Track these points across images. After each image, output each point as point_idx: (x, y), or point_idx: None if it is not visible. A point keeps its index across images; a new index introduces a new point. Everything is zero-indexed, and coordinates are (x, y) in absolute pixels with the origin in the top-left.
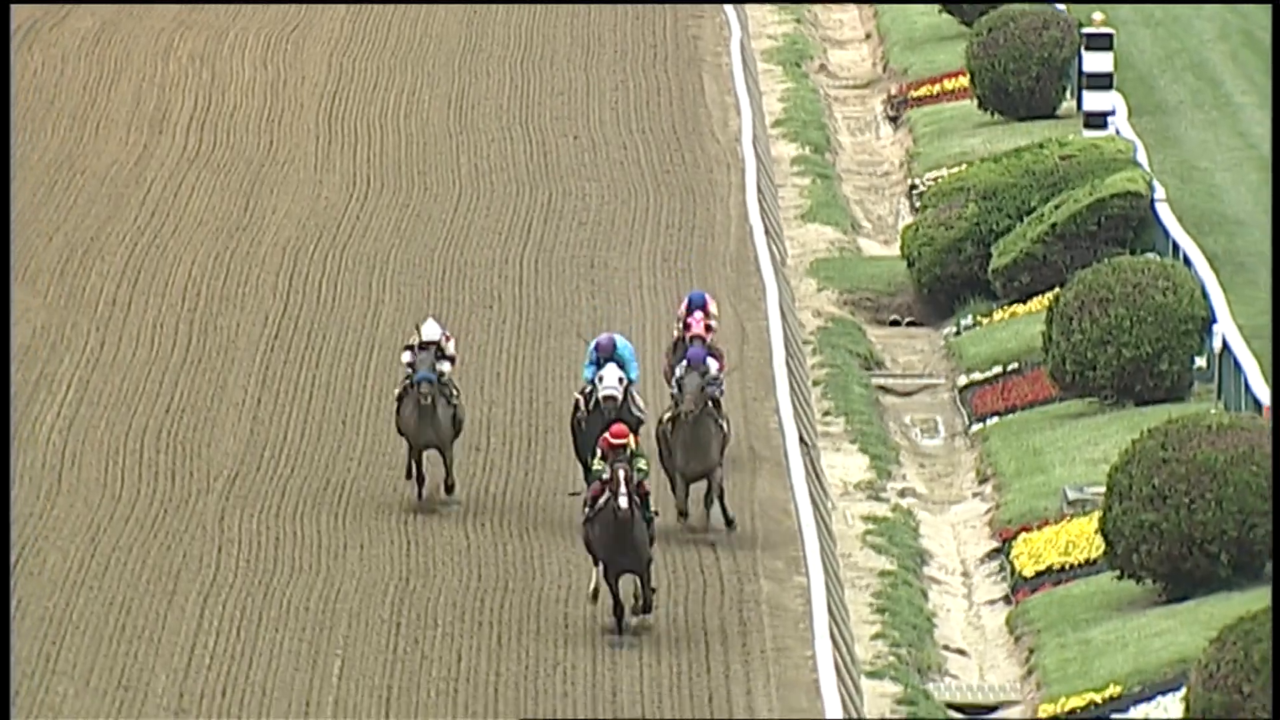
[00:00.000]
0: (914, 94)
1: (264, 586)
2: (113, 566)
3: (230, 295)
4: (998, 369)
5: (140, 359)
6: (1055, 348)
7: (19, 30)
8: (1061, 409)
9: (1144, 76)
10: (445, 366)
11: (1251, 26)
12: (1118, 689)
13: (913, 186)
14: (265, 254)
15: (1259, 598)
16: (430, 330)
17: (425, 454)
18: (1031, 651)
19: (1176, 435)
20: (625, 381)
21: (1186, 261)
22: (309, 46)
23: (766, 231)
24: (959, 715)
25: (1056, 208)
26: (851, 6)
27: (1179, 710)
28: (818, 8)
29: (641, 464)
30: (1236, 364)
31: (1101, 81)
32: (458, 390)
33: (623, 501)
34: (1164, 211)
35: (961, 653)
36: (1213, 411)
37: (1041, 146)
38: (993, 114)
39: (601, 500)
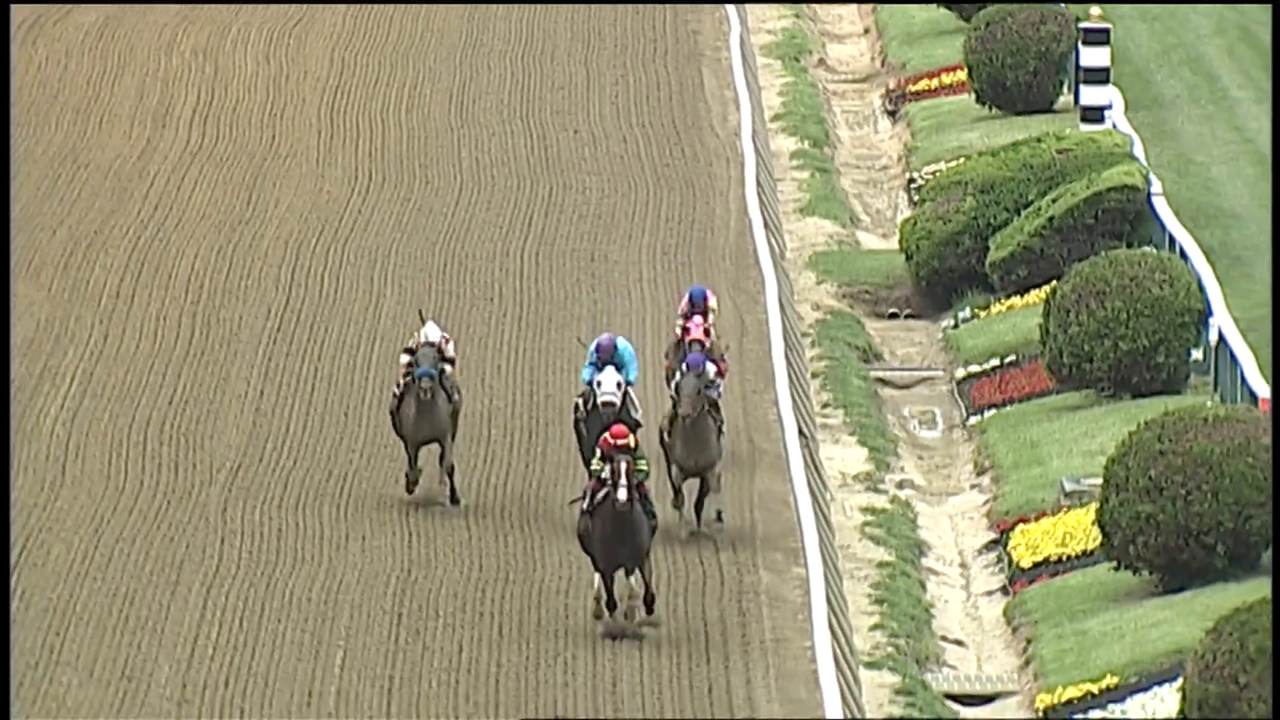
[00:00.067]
0: (912, 88)
1: (266, 577)
2: (116, 557)
3: (233, 288)
4: (995, 361)
5: (143, 351)
6: (1052, 340)
7: (23, 25)
8: (1059, 401)
9: (1141, 71)
10: (445, 368)
11: (1248, 22)
12: (1114, 679)
13: (911, 180)
14: (267, 247)
15: (1255, 589)
16: (431, 333)
17: (423, 450)
18: (1029, 642)
19: (1173, 427)
20: (623, 386)
21: (1183, 255)
22: (311, 41)
23: (766, 225)
24: (957, 705)
25: (1054, 201)
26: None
27: (1175, 701)
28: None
29: (643, 464)
30: (1233, 356)
31: (1099, 76)
32: (458, 389)
33: (622, 493)
34: (1161, 205)
35: (959, 643)
36: (1209, 404)
37: (1039, 140)
38: (990, 108)
39: (600, 495)
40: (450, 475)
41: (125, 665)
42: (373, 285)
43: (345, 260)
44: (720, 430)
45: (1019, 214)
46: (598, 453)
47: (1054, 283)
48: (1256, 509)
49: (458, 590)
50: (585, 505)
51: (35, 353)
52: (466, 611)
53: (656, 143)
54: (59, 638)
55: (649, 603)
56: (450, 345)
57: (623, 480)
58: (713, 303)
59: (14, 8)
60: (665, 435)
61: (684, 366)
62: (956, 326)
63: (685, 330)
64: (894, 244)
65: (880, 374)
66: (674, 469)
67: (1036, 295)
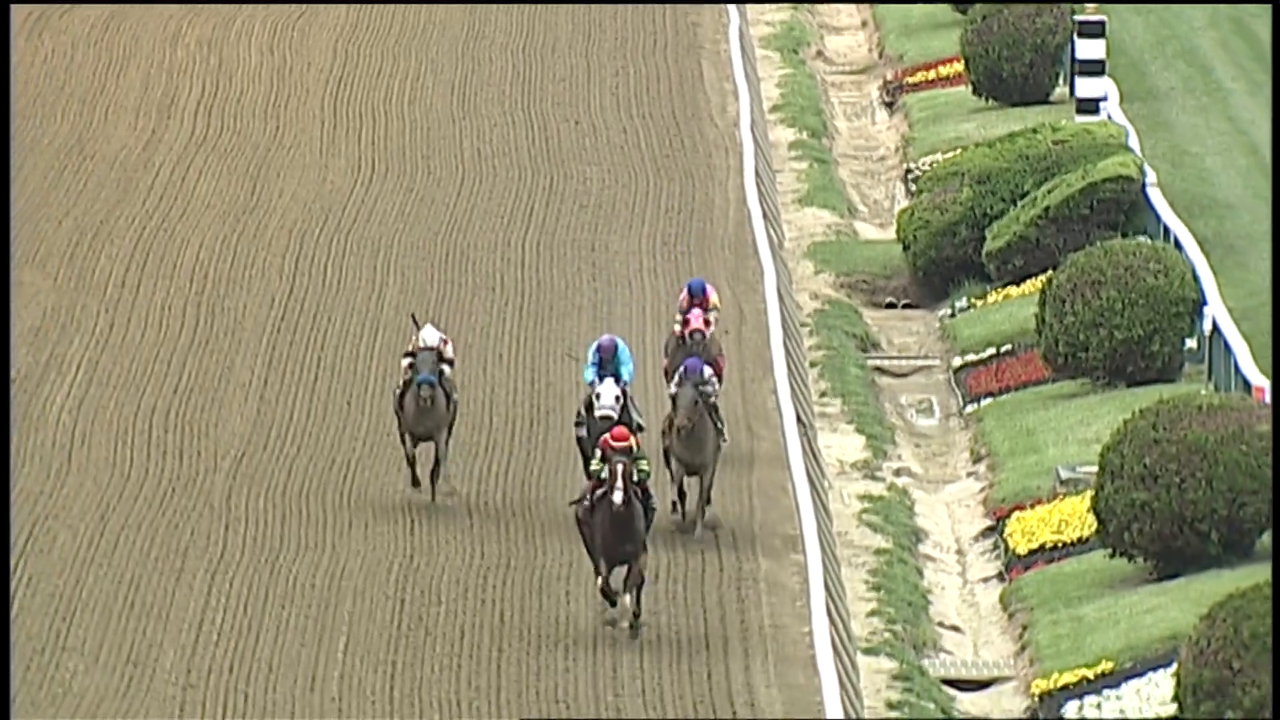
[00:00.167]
0: (909, 80)
1: (270, 564)
2: (122, 544)
3: (237, 278)
4: (992, 350)
5: (149, 340)
6: (1048, 329)
7: (29, 18)
8: (1054, 390)
9: (1136, 63)
10: (444, 369)
11: (1242, 14)
12: (1109, 665)
13: (908, 171)
14: (271, 237)
15: (1249, 575)
16: (429, 336)
17: (420, 445)
18: (1025, 628)
19: (1167, 415)
20: (621, 400)
21: (1177, 245)
22: (315, 33)
23: (764, 215)
24: (954, 691)
25: (1049, 192)
26: None
27: (1170, 686)
28: None
29: (643, 464)
30: (1226, 345)
31: (1094, 68)
32: (455, 390)
33: (617, 496)
34: (1155, 195)
35: (956, 629)
36: (1203, 392)
37: (1035, 132)
38: (987, 100)
39: (599, 494)
40: (434, 472)
41: (130, 651)
42: (375, 274)
43: (348, 250)
44: (719, 432)
45: (1015, 204)
46: (598, 454)
47: (1050, 272)
48: (1250, 496)
49: (460, 576)
50: (585, 505)
51: (41, 341)
52: (468, 598)
53: (656, 134)
54: (65, 623)
55: (637, 589)
56: (449, 346)
57: (619, 484)
58: (713, 297)
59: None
60: (664, 440)
61: (682, 371)
62: (953, 316)
63: (685, 323)
64: (891, 234)
65: (878, 363)
66: (674, 464)
67: (1032, 285)
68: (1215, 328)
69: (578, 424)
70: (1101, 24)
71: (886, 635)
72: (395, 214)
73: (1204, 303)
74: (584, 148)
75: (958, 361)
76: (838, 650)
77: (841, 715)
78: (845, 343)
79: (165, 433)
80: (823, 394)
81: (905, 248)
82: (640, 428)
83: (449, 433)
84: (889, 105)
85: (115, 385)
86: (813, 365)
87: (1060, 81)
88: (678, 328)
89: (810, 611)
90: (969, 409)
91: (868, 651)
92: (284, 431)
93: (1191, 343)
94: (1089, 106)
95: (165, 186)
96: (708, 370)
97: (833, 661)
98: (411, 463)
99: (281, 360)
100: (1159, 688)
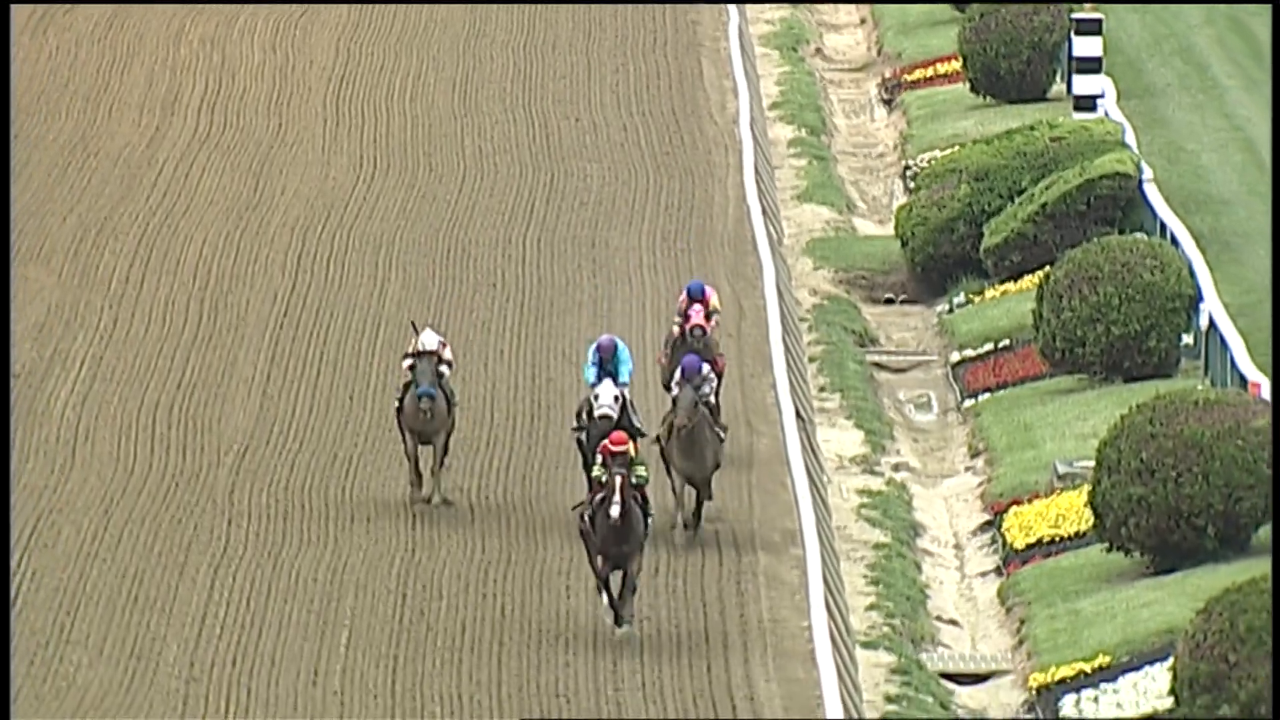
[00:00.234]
0: (908, 77)
1: (273, 558)
2: (125, 539)
3: (240, 274)
4: (989, 346)
5: (152, 336)
6: (1045, 325)
7: (34, 15)
8: (1052, 385)
9: (1132, 60)
10: (443, 370)
11: (1238, 12)
12: (1106, 659)
13: (906, 168)
14: (274, 233)
15: (1245, 569)
16: (429, 339)
17: (421, 448)
18: (1022, 622)
19: (1164, 411)
20: (620, 401)
21: (1174, 241)
22: (317, 31)
23: (764, 211)
24: (952, 684)
25: (1047, 188)
26: None
27: (1166, 679)
28: None
29: (641, 470)
30: (1223, 341)
31: (1091, 65)
32: (454, 391)
33: (614, 510)
34: (1152, 192)
35: (954, 623)
36: (1199, 387)
37: (1032, 129)
38: (985, 97)
39: (599, 500)
40: (435, 473)
41: (134, 645)
42: (378, 270)
43: (350, 246)
44: (719, 438)
45: (1013, 201)
46: (598, 459)
47: (1047, 268)
48: (1246, 491)
49: (461, 571)
50: (586, 511)
51: (46, 337)
52: (469, 591)
53: (656, 131)
54: (69, 617)
55: (629, 593)
56: (447, 349)
57: (616, 497)
58: (713, 299)
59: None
60: (664, 442)
61: (681, 370)
62: (951, 311)
63: (686, 318)
64: (890, 230)
65: (876, 358)
66: (674, 476)
67: (1030, 281)
68: (1211, 323)
69: (576, 429)
70: (1098, 22)
71: (885, 629)
72: (397, 211)
73: (1200, 298)
74: (584, 145)
75: (956, 357)
76: (836, 644)
77: (840, 709)
78: (844, 338)
79: (168, 428)
80: (821, 389)
81: (903, 244)
82: (640, 433)
83: (447, 438)
84: (887, 102)
85: (119, 380)
86: (811, 361)
87: (1058, 79)
88: (676, 328)
89: (809, 606)
90: (967, 404)
91: (866, 645)
92: (286, 427)
93: (1188, 338)
94: (1086, 104)
95: (168, 183)
96: (706, 367)
97: (831, 655)
98: (413, 460)
99: (284, 356)
100: (1155, 681)
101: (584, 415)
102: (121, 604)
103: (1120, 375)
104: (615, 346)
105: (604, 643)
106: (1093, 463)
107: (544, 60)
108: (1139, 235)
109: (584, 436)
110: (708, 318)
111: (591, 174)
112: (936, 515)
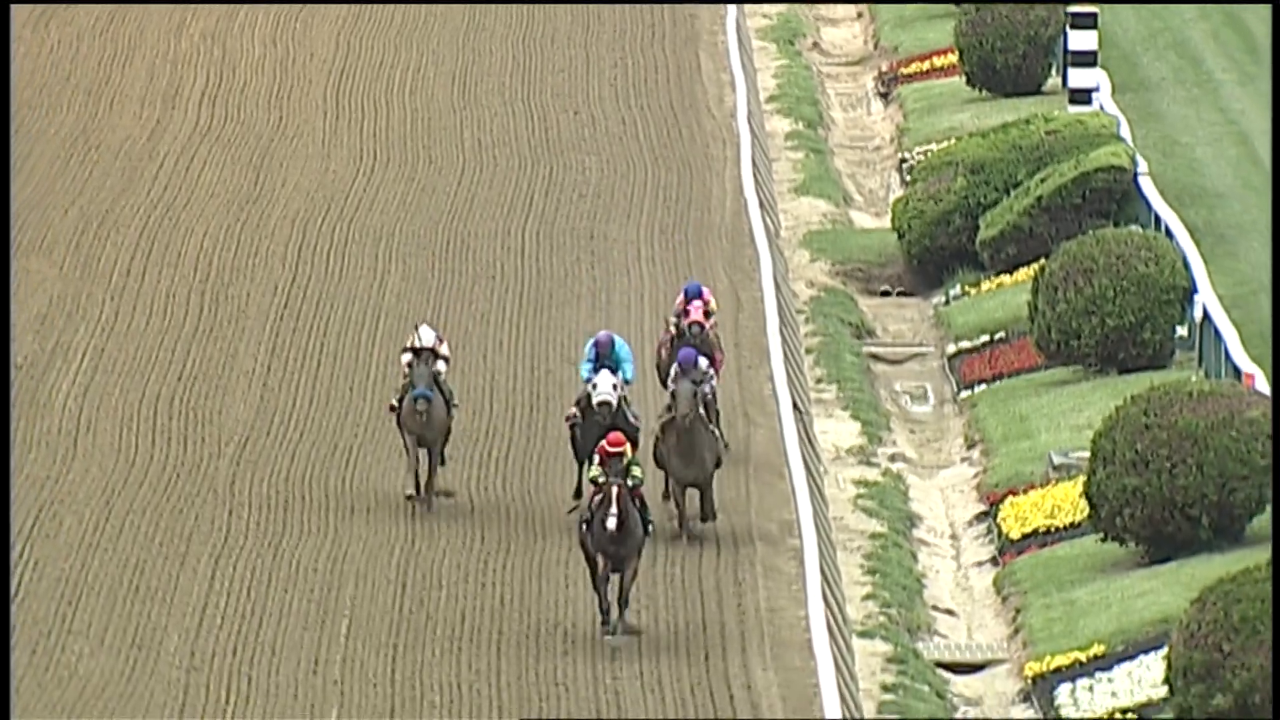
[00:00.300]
0: (904, 71)
1: (273, 548)
2: (127, 529)
3: (241, 266)
4: (985, 338)
5: (153, 328)
6: (1041, 317)
7: (35, 9)
8: (1047, 376)
9: (1127, 54)
10: (440, 366)
11: (1232, 6)
12: (1101, 648)
13: (903, 161)
14: (275, 226)
15: (1239, 559)
16: (426, 335)
17: (420, 449)
18: (1018, 612)
19: (1158, 402)
20: (620, 388)
21: (1168, 233)
22: (317, 25)
23: (761, 204)
24: (948, 674)
25: (1042, 181)
26: None
27: (1161, 668)
28: None
29: (637, 472)
30: (1217, 333)
31: (1086, 59)
32: (453, 391)
33: (610, 523)
34: (1146, 185)
35: (950, 613)
36: (1193, 379)
37: (1028, 122)
38: (981, 90)
39: (597, 504)
40: (429, 479)
41: (135, 634)
42: (378, 263)
43: (351, 238)
44: (716, 439)
45: (1008, 194)
46: (595, 459)
47: (1042, 261)
48: (1240, 481)
49: (460, 561)
50: (585, 515)
51: (47, 329)
52: (469, 581)
53: (654, 124)
54: (71, 607)
55: (624, 605)
56: (444, 345)
57: (614, 509)
58: (711, 303)
59: None
60: (660, 444)
61: (678, 363)
62: (947, 303)
63: (685, 314)
64: (886, 223)
65: (873, 350)
66: (671, 482)
67: (1025, 273)
68: (1206, 315)
69: (571, 425)
70: (1093, 16)
71: (881, 619)
72: (397, 203)
73: (1194, 290)
74: (583, 138)
75: (952, 348)
76: (833, 634)
77: (837, 698)
78: (841, 330)
79: (170, 419)
80: (818, 381)
81: (900, 236)
82: (637, 429)
83: (445, 440)
84: (884, 96)
85: (120, 372)
86: (809, 352)
87: (1053, 72)
88: (673, 328)
89: (806, 595)
90: (963, 395)
91: (863, 635)
92: (287, 418)
93: (1182, 330)
94: (1081, 97)
95: (170, 176)
96: (703, 362)
97: (828, 645)
98: (413, 459)
99: (284, 347)
100: (1150, 670)
101: (580, 408)
102: (123, 594)
103: (1115, 367)
104: (613, 343)
105: (598, 617)
106: (1088, 453)
107: (543, 54)
108: (1134, 228)
109: (579, 426)
110: (706, 316)
111: (590, 167)
112: (933, 506)
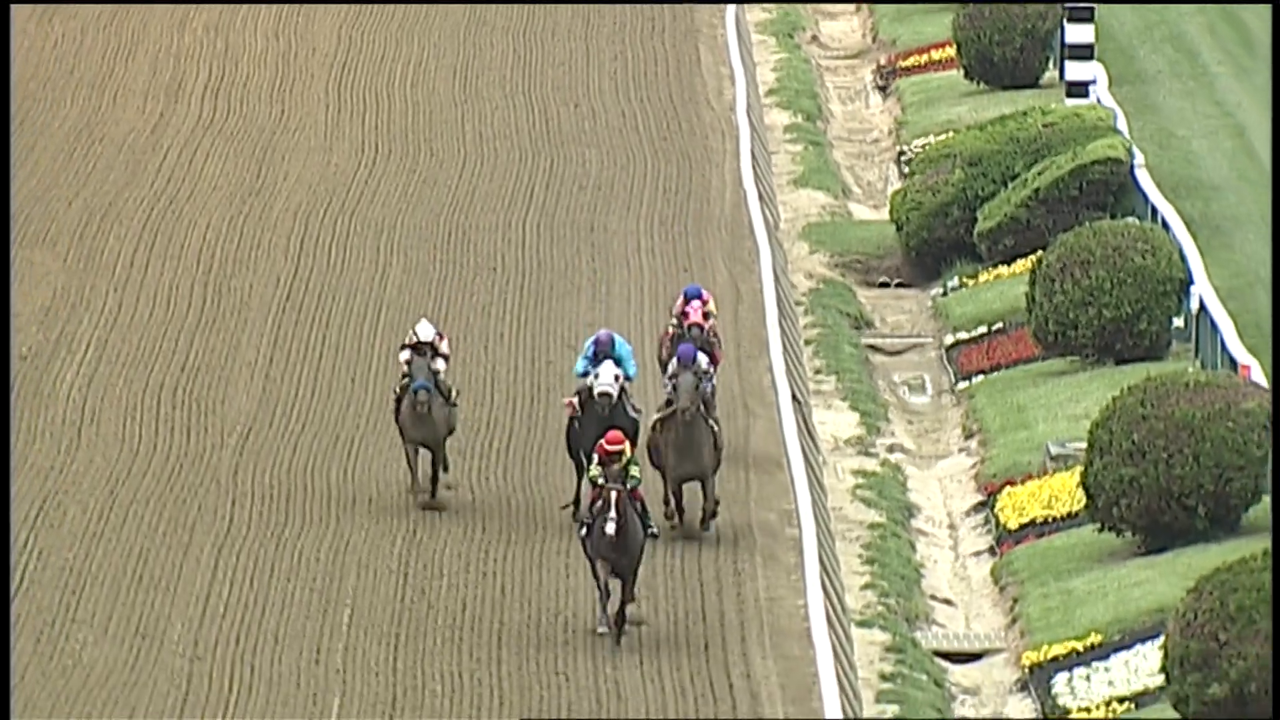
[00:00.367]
0: (902, 64)
1: (276, 538)
2: (130, 519)
3: (243, 258)
4: (983, 329)
5: (157, 319)
6: (1038, 308)
7: (40, 4)
8: (1044, 367)
9: (1124, 47)
10: (440, 365)
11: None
12: (1098, 637)
13: (901, 153)
14: (277, 218)
15: (1235, 549)
16: (424, 331)
17: (419, 451)
18: (1015, 601)
19: (1155, 393)
20: (620, 380)
21: (1165, 225)
22: (319, 19)
23: (760, 196)
24: (946, 663)
25: (1039, 173)
26: None
27: (1157, 657)
28: None
29: (635, 471)
30: (1213, 324)
31: (1083, 52)
32: (454, 390)
33: (609, 528)
34: (1143, 177)
35: (948, 602)
36: (1190, 370)
37: (1025, 115)
38: (978, 83)
39: (597, 507)
40: (434, 481)
41: (139, 623)
42: (379, 255)
43: (352, 231)
44: (715, 435)
45: (1006, 186)
46: (594, 458)
47: (1040, 252)
48: (1236, 471)
49: (461, 550)
50: (584, 516)
51: (52, 320)
52: (470, 571)
53: (654, 117)
54: (75, 596)
55: (625, 602)
56: (444, 342)
57: (613, 514)
58: (710, 305)
59: None
60: (657, 438)
61: (677, 358)
62: (945, 295)
63: (684, 315)
64: (885, 215)
65: (871, 341)
66: (668, 478)
67: (1023, 265)
68: (1202, 306)
69: (570, 417)
70: (1090, 9)
71: (880, 608)
72: (398, 196)
73: (1191, 282)
74: (583, 130)
75: (950, 340)
76: (832, 623)
77: (836, 686)
78: (839, 321)
79: (173, 410)
80: (817, 372)
81: (898, 228)
82: (635, 422)
83: (448, 437)
84: (882, 89)
85: (124, 363)
86: (807, 343)
87: (1050, 66)
88: (673, 328)
89: (805, 585)
90: (961, 386)
91: (861, 624)
92: (289, 409)
93: (1179, 321)
94: (1078, 90)
95: (173, 169)
96: (703, 358)
97: (827, 634)
98: (413, 464)
99: (287, 339)
100: (1147, 659)
101: (579, 402)
102: (126, 583)
103: (1112, 358)
104: (613, 341)
105: (601, 612)
106: (1085, 444)
107: (543, 47)
108: (1130, 220)
109: (578, 418)
110: (705, 319)
111: (590, 159)
112: (931, 496)
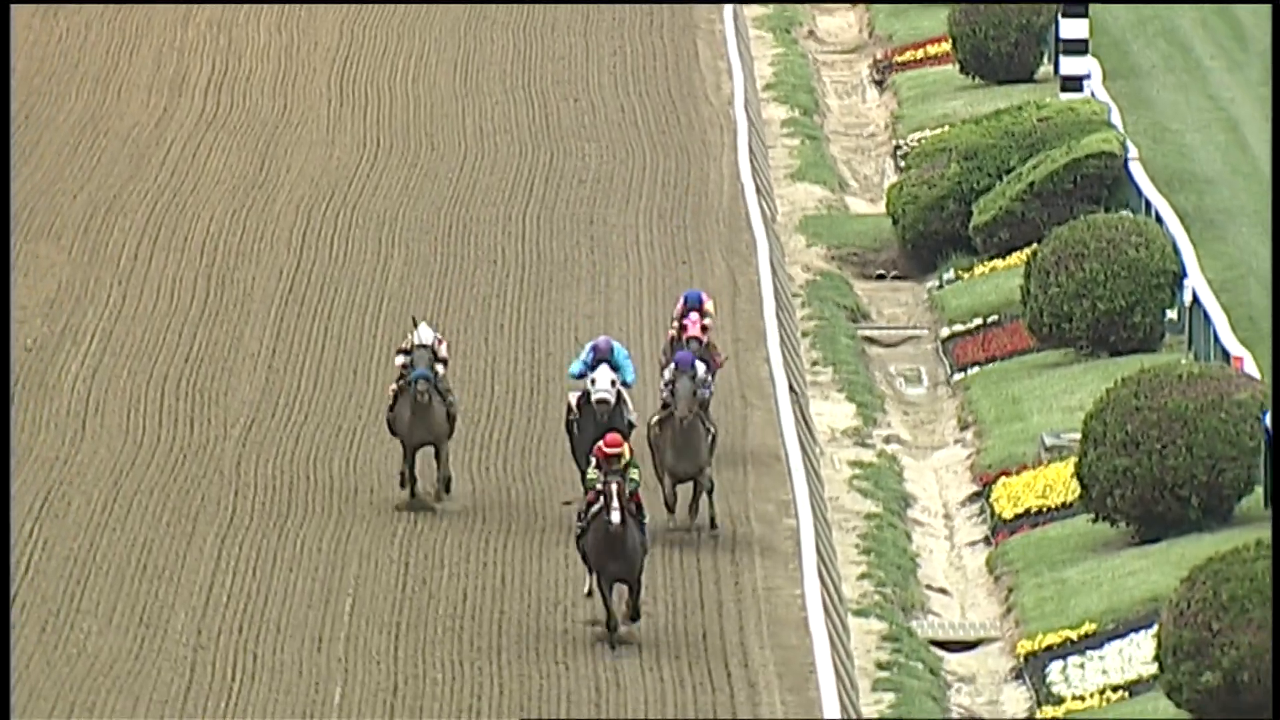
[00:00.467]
0: (899, 59)
1: (278, 528)
2: (134, 509)
3: (246, 251)
4: (978, 321)
5: (160, 311)
6: (1033, 301)
7: (44, 2)
8: (1039, 359)
9: (1118, 42)
10: (439, 369)
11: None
12: (1092, 626)
13: (897, 147)
14: (280, 211)
15: (1228, 539)
16: (424, 334)
17: (418, 454)
18: (1010, 591)
19: (1149, 384)
20: (618, 385)
21: (1158, 218)
22: (322, 13)
23: (757, 190)
24: (941, 651)
25: (1034, 167)
26: None
27: (1151, 646)
28: None
29: (634, 474)
30: (1206, 316)
31: (1077, 47)
32: (452, 390)
33: (614, 516)
34: (1137, 170)
35: (944, 592)
36: (1183, 361)
37: (1020, 109)
38: (974, 78)
39: (595, 508)
40: (445, 484)
41: (143, 613)
42: (381, 248)
43: (354, 224)
44: (711, 435)
45: (1001, 179)
46: (592, 461)
47: (1034, 245)
48: (1229, 462)
49: (462, 540)
50: (582, 520)
51: (56, 313)
52: (471, 561)
53: (653, 111)
54: (79, 586)
55: (635, 613)
56: (443, 346)
57: (615, 504)
58: (709, 306)
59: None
60: (654, 438)
61: (675, 364)
62: (941, 287)
63: (682, 328)
64: (881, 208)
65: (868, 333)
66: (665, 477)
67: (1018, 257)
68: (1195, 299)
69: (569, 421)
70: (1085, 4)
71: (876, 597)
72: (400, 189)
73: (1184, 275)
74: (583, 124)
75: (945, 332)
76: (829, 612)
77: (833, 675)
78: (836, 313)
79: (177, 401)
80: (814, 363)
81: (894, 221)
82: (632, 425)
83: (448, 439)
84: (879, 83)
85: (128, 355)
86: (804, 335)
87: (1045, 60)
88: (673, 332)
89: (802, 574)
90: (956, 378)
91: (858, 613)
92: (292, 400)
93: (1172, 314)
94: (1073, 84)
95: (176, 162)
96: (701, 366)
97: (824, 623)
98: (409, 477)
99: (289, 331)
100: (1140, 648)
101: (576, 404)
102: (130, 573)
103: (1106, 349)
104: (612, 348)
105: (602, 612)
106: (1079, 435)
107: (543, 42)
108: (1124, 213)
109: (576, 422)
110: (704, 329)
111: (590, 153)
112: (926, 486)
